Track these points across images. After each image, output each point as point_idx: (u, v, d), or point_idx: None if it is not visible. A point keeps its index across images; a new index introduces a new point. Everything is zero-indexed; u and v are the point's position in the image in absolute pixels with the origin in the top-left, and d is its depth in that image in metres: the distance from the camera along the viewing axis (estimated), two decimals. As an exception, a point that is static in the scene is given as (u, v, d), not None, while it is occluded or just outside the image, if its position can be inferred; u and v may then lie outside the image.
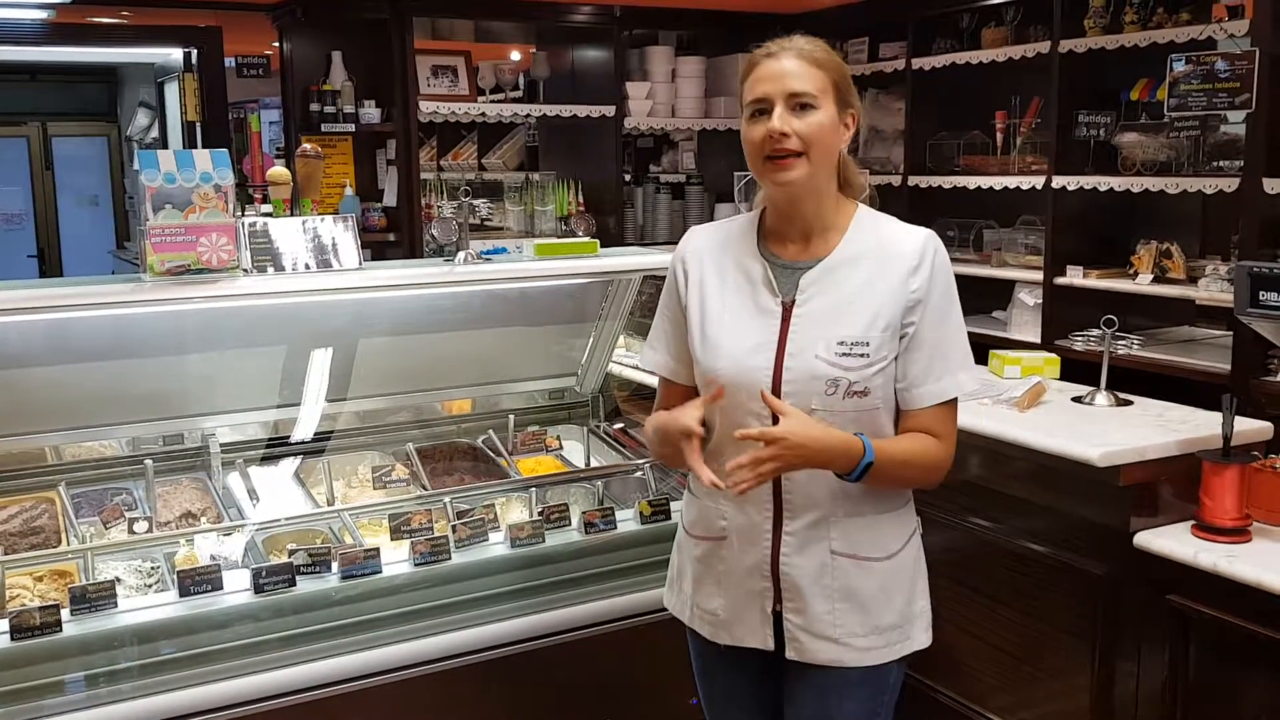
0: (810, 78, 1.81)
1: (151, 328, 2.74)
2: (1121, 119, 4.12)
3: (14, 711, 2.14)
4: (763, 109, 1.83)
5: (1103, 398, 2.40)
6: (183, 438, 3.13)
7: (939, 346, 1.83)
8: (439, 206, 5.32)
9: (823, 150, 1.82)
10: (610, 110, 5.23)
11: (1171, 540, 2.05)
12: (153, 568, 2.63)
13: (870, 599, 1.88)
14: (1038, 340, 4.26)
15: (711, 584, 1.97)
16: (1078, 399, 2.43)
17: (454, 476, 3.37)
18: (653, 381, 3.54)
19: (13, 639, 2.15)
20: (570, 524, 2.71)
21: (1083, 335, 2.70)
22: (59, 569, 2.59)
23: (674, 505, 2.78)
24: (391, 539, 2.70)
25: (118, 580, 2.56)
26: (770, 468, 1.73)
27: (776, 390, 1.83)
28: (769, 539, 1.89)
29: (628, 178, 5.92)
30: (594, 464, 3.24)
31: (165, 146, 6.00)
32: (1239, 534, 2.07)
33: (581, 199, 5.47)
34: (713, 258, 1.96)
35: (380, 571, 2.48)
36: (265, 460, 3.14)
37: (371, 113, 4.99)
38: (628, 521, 2.75)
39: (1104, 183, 4.05)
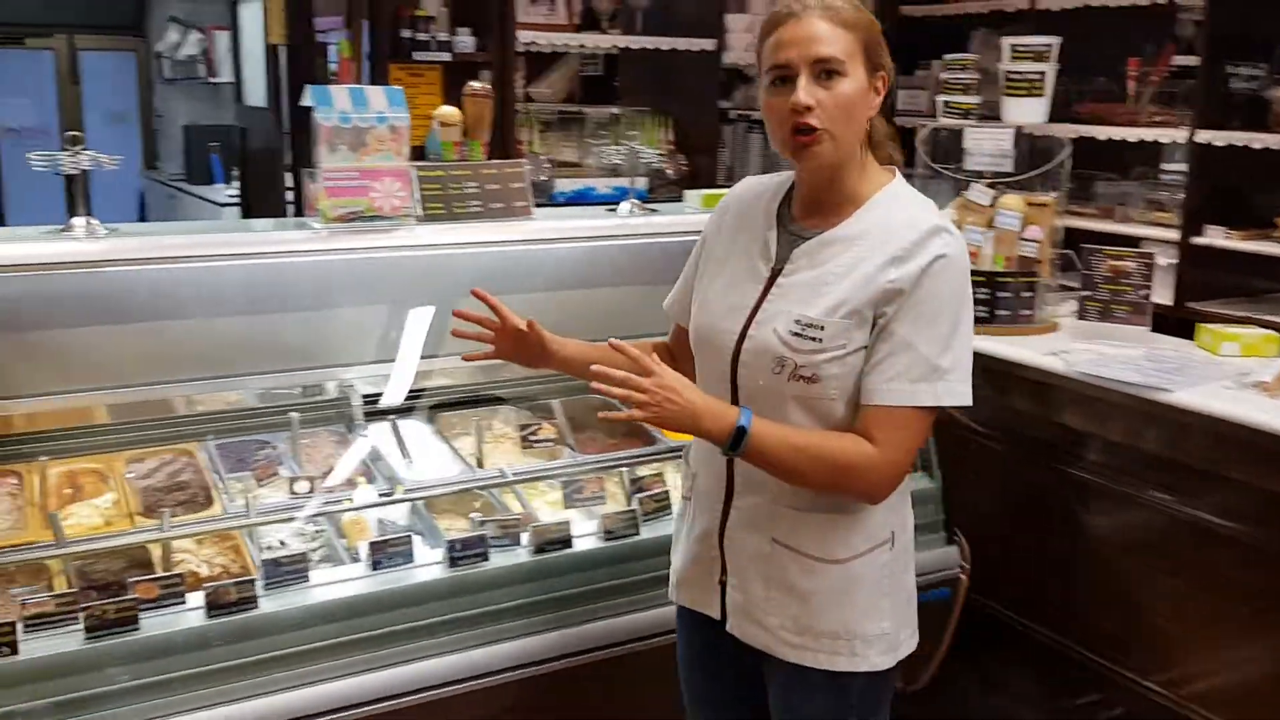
0: (837, 41, 1.65)
1: (312, 276, 2.57)
2: (1276, 72, 3.92)
3: (208, 694, 2.01)
4: (785, 77, 1.68)
5: (1346, 381, 2.26)
6: (321, 388, 2.98)
7: (909, 348, 1.66)
8: (528, 142, 5.12)
9: (850, 123, 1.69)
10: (710, 44, 4.99)
11: None
12: (317, 532, 2.50)
13: (807, 599, 1.78)
14: (1170, 303, 4.10)
15: (681, 541, 1.98)
16: (1315, 382, 2.29)
17: (586, 434, 3.23)
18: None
19: (208, 616, 2.01)
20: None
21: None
22: (217, 531, 2.45)
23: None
24: (565, 507, 2.57)
25: (282, 544, 2.44)
26: (640, 399, 1.65)
27: (735, 358, 1.77)
28: (720, 509, 1.85)
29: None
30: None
31: (237, 71, 5.74)
32: None
33: (672, 137, 5.25)
34: (740, 211, 1.89)
35: (571, 546, 2.34)
36: (401, 413, 2.99)
37: (466, 41, 4.75)
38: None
39: (1257, 140, 3.86)
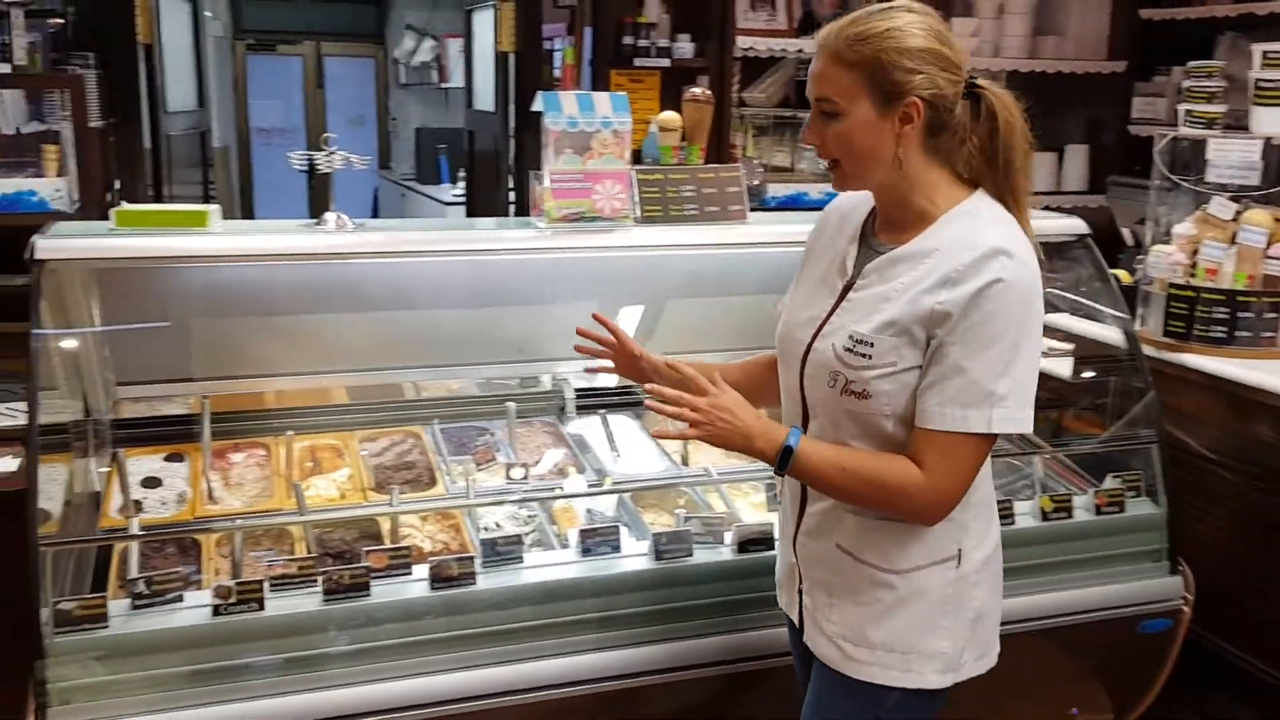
0: (833, 81, 1.66)
1: (535, 273, 2.70)
2: None
3: (426, 663, 2.14)
4: None
5: None
6: (537, 381, 3.12)
7: (961, 372, 1.62)
8: (742, 147, 5.17)
9: (856, 157, 1.68)
10: (933, 50, 4.89)
11: None
12: (529, 517, 2.61)
13: (866, 607, 1.77)
14: None
15: (779, 545, 2.01)
16: None
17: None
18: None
19: (432, 588, 2.15)
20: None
21: None
22: (440, 509, 2.60)
23: (1077, 501, 2.56)
24: (769, 510, 2.59)
25: (498, 526, 2.57)
26: (694, 418, 1.70)
27: (802, 369, 1.78)
28: (796, 516, 1.87)
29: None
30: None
31: (469, 77, 6.04)
32: None
33: (888, 143, 5.16)
34: (835, 224, 1.88)
35: (773, 548, 2.35)
36: (610, 408, 3.08)
37: (685, 47, 4.84)
38: (1025, 516, 2.54)
39: None
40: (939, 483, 1.65)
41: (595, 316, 2.08)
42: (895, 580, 1.75)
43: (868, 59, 1.63)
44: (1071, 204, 5.18)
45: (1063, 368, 3.19)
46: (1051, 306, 3.17)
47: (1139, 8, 5.13)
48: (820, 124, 1.69)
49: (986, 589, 1.81)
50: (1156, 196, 3.10)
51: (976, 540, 1.79)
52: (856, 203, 1.86)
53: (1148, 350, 2.88)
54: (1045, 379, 3.18)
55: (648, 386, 1.82)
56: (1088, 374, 3.08)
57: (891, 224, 1.76)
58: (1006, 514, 2.49)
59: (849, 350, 1.69)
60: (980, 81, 1.71)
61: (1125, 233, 4.41)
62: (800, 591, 1.89)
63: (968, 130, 1.70)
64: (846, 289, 1.76)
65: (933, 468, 1.65)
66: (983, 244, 1.62)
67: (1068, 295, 3.08)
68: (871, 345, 1.67)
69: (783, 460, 1.70)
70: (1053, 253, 3.06)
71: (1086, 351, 3.04)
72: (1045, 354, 3.21)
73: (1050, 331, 3.15)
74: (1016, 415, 1.64)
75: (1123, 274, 3.07)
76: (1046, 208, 5.32)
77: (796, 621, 1.92)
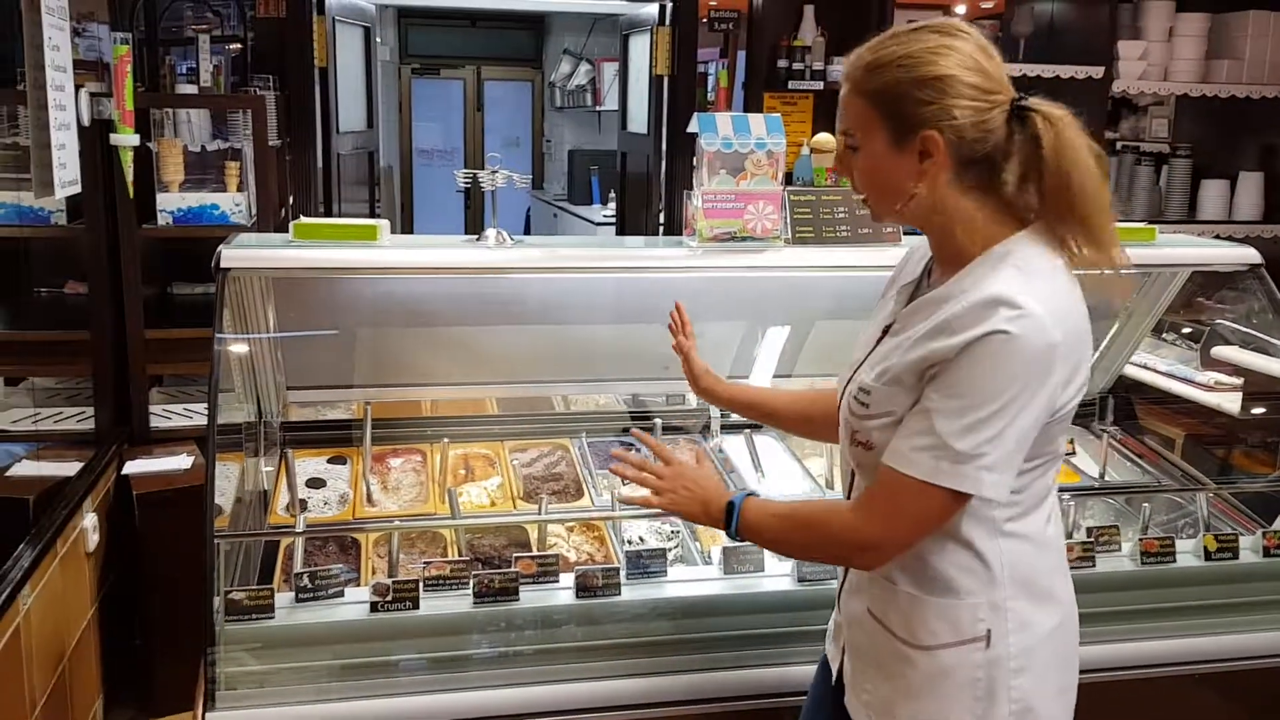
0: (850, 112, 1.57)
1: (684, 291, 2.72)
2: None
3: (567, 670, 2.17)
4: None
5: None
6: (683, 398, 3.16)
7: (925, 415, 1.48)
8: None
9: (877, 191, 1.59)
10: (1098, 71, 4.76)
11: None
12: (673, 532, 2.64)
13: (892, 680, 1.66)
14: None
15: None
16: None
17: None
18: (1172, 386, 3.17)
19: (576, 596, 2.19)
20: (1120, 550, 2.43)
21: None
22: (586, 520, 2.65)
23: (1244, 541, 2.44)
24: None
25: (641, 540, 2.61)
26: (657, 484, 1.78)
27: (838, 418, 1.72)
28: (843, 570, 1.81)
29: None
30: (1109, 476, 2.93)
31: (623, 100, 6.16)
32: None
33: (1048, 168, 5.04)
34: (910, 266, 1.76)
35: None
36: (755, 428, 3.09)
37: (840, 70, 4.82)
38: (1186, 555, 2.43)
39: None
40: (867, 520, 1.54)
41: (678, 305, 2.22)
42: (917, 657, 1.62)
43: (880, 89, 1.51)
44: (1244, 233, 4.95)
45: (1231, 403, 3.05)
46: (1220, 339, 3.04)
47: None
48: (846, 156, 1.60)
49: (1034, 681, 1.61)
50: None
51: (1016, 624, 1.59)
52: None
53: (1327, 387, 2.73)
54: (1212, 414, 3.08)
55: (614, 450, 1.90)
56: (1258, 410, 2.93)
57: (939, 263, 1.64)
58: (1168, 552, 2.40)
59: (855, 399, 1.62)
60: (1030, 101, 1.51)
61: (1304, 264, 4.18)
62: (843, 650, 1.80)
63: (1014, 158, 1.50)
64: (883, 335, 1.66)
65: (866, 503, 1.56)
66: (985, 291, 1.46)
67: (1238, 328, 2.95)
68: (869, 394, 1.59)
69: (729, 517, 1.68)
70: (1222, 283, 2.94)
71: (1257, 386, 2.90)
72: (1209, 388, 3.11)
73: (1218, 364, 3.02)
74: (972, 475, 1.46)
75: (1300, 306, 2.91)
76: (1217, 236, 5.10)
77: (835, 677, 1.82)
